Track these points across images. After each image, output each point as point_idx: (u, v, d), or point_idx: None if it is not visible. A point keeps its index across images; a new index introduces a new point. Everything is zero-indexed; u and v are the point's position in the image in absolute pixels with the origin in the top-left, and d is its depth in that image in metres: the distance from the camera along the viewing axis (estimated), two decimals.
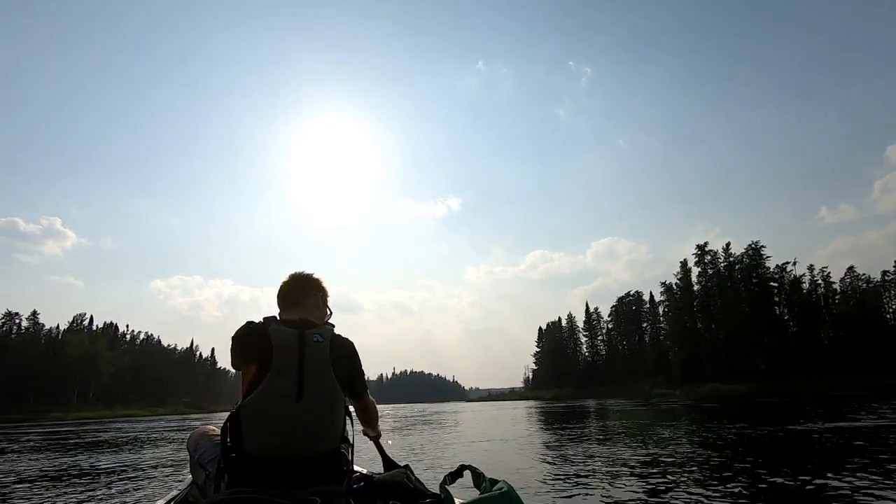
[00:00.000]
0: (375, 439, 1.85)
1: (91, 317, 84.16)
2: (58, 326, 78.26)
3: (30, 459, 8.51)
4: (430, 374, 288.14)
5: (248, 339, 1.52)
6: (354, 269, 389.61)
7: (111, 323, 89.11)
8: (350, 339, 1.65)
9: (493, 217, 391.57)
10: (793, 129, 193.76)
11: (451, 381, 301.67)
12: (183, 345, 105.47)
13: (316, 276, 1.80)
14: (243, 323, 1.56)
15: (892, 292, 62.18)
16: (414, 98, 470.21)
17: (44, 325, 75.75)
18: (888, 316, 60.60)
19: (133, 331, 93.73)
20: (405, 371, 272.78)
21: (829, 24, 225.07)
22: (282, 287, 1.76)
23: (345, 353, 1.60)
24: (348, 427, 1.57)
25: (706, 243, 66.19)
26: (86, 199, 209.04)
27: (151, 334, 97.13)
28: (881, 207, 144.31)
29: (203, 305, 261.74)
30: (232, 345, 1.54)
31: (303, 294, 1.74)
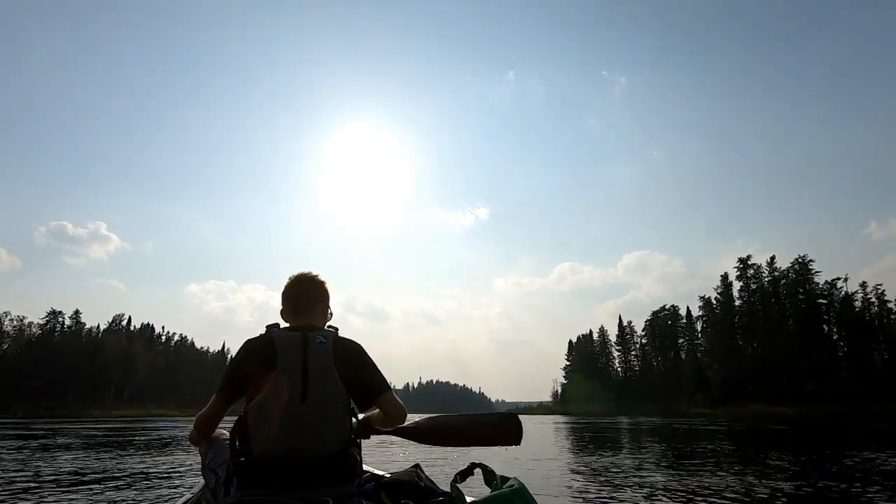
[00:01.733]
0: (399, 432, 1.70)
1: (129, 317, 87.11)
2: (98, 326, 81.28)
3: (62, 458, 8.33)
4: (455, 385, 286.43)
5: (255, 350, 1.52)
6: (382, 278, 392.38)
7: (148, 324, 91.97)
8: (356, 340, 1.63)
9: (522, 227, 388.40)
10: (838, 139, 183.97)
11: (478, 392, 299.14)
12: (215, 347, 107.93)
13: (321, 278, 1.77)
14: (243, 342, 1.56)
15: None
16: (443, 107, 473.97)
17: (85, 324, 78.70)
18: None
19: (168, 332, 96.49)
20: (431, 381, 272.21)
21: (875, 27, 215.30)
22: (290, 291, 1.73)
23: (349, 353, 1.58)
24: (356, 427, 1.57)
25: (749, 256, 63.34)
26: (128, 205, 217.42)
27: (185, 336, 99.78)
28: None
29: (236, 310, 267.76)
30: (233, 362, 1.54)
31: (313, 303, 1.72)
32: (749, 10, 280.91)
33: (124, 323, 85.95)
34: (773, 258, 62.01)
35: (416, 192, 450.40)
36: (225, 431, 1.77)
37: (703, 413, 48.26)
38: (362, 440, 1.62)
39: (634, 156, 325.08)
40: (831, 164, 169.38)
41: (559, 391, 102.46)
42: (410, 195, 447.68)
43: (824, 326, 58.52)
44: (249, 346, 1.55)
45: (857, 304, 59.26)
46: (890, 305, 60.06)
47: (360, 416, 1.64)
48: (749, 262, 62.97)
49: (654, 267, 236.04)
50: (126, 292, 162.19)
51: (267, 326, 1.61)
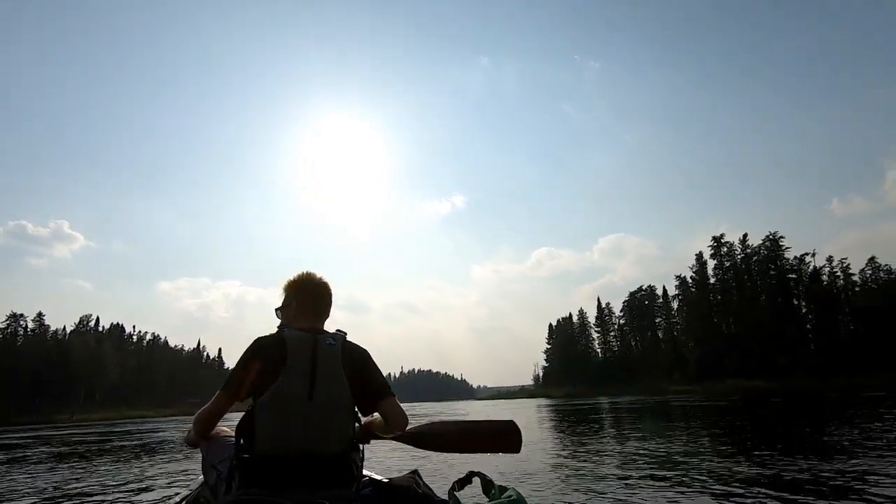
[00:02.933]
0: (399, 437, 1.65)
1: (97, 318, 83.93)
2: (64, 328, 78.04)
3: (36, 469, 7.69)
4: (437, 373, 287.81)
5: (267, 347, 1.53)
6: (361, 269, 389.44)
7: (117, 324, 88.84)
8: (362, 346, 1.68)
9: (499, 214, 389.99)
10: (803, 122, 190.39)
11: (459, 379, 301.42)
12: (190, 345, 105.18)
13: (326, 280, 1.78)
14: (252, 340, 1.56)
15: None
16: (417, 95, 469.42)
17: (49, 327, 75.41)
18: None
19: (140, 331, 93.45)
20: (413, 370, 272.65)
21: (842, 17, 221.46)
22: (307, 296, 1.72)
23: (356, 357, 1.62)
24: (358, 431, 1.59)
25: (722, 235, 64.53)
26: (94, 202, 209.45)
27: (158, 335, 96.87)
28: (893, 199, 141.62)
29: (211, 307, 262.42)
30: (241, 360, 1.53)
31: (324, 311, 1.73)
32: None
33: (92, 324, 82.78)
34: (745, 236, 63.38)
35: (392, 181, 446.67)
36: (226, 429, 1.82)
37: (682, 390, 49.22)
38: (364, 445, 1.62)
39: (608, 141, 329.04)
40: (796, 144, 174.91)
41: (540, 374, 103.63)
42: (386, 185, 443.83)
43: (794, 301, 60.21)
44: (259, 344, 1.54)
45: (825, 278, 61.19)
46: (854, 279, 62.35)
47: (363, 420, 1.64)
48: (723, 241, 64.20)
49: (628, 250, 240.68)
50: (94, 292, 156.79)
51: (278, 327, 1.62)
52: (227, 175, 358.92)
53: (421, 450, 1.68)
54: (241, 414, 1.51)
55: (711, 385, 50.32)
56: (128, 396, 73.21)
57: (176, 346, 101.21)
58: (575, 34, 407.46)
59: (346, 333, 1.67)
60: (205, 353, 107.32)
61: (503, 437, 1.63)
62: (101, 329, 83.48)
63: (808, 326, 59.91)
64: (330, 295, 1.76)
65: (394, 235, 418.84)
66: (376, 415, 1.64)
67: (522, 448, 1.59)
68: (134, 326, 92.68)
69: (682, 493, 3.71)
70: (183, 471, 6.34)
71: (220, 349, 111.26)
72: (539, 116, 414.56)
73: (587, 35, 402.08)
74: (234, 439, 1.50)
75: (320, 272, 1.78)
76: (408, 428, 1.61)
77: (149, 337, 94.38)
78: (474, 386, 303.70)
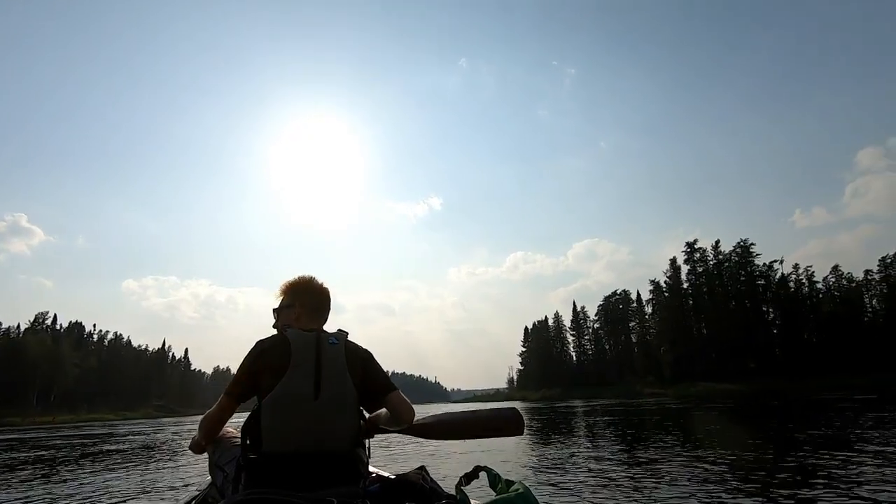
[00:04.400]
0: (409, 430, 1.70)
1: (55, 316, 79.75)
2: (18, 326, 73.79)
3: None
4: (411, 375, 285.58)
5: (272, 347, 1.53)
6: (335, 269, 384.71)
7: (77, 322, 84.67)
8: (377, 345, 1.73)
9: (475, 217, 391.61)
10: (770, 133, 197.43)
11: (434, 381, 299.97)
12: (155, 346, 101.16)
13: (326, 285, 1.80)
14: (255, 342, 1.56)
15: (873, 292, 62.53)
16: (394, 95, 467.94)
17: (1, 324, 71.19)
18: (869, 315, 60.90)
19: (101, 331, 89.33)
20: (387, 372, 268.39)
21: (807, 32, 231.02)
22: (309, 300, 1.73)
23: (358, 355, 1.62)
24: (364, 428, 1.60)
25: (696, 241, 65.81)
26: (56, 196, 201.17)
27: (121, 334, 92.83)
28: (852, 211, 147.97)
29: (178, 306, 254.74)
30: (245, 360, 1.53)
31: (324, 314, 1.76)
32: (695, 9, 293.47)
33: (49, 321, 78.59)
34: (717, 242, 64.79)
35: (368, 181, 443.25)
36: (233, 430, 1.80)
37: (656, 393, 49.73)
38: (370, 442, 1.63)
39: (583, 146, 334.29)
40: (765, 155, 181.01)
41: (515, 378, 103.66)
42: (363, 185, 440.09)
43: (764, 307, 61.74)
44: (262, 346, 1.54)
45: (791, 285, 62.97)
46: (819, 286, 64.37)
47: (367, 415, 1.66)
48: (696, 247, 65.40)
49: (602, 255, 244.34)
50: (54, 290, 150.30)
51: (280, 327, 1.66)
52: (199, 172, 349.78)
53: (427, 445, 2.06)
54: (247, 414, 1.49)
55: (684, 388, 51.01)
56: (87, 398, 69.63)
57: (140, 346, 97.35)
58: (553, 40, 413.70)
59: (347, 333, 1.68)
60: (170, 354, 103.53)
61: (507, 421, 1.68)
62: (58, 327, 79.40)
63: (774, 331, 61.53)
64: (330, 299, 1.79)
65: (369, 236, 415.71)
66: (383, 409, 1.63)
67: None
68: (95, 325, 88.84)
69: (676, 490, 3.88)
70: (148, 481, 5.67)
71: (186, 349, 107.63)
72: (515, 120, 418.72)
73: (565, 41, 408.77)
74: (240, 440, 1.49)
75: (304, 272, 1.82)
76: (414, 421, 1.63)
77: (110, 336, 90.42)
78: (448, 389, 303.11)
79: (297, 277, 1.78)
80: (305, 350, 1.51)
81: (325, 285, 1.80)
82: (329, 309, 1.79)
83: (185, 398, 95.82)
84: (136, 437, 16.54)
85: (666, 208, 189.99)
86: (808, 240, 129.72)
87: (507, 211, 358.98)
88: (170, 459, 8.39)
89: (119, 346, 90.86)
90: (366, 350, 1.68)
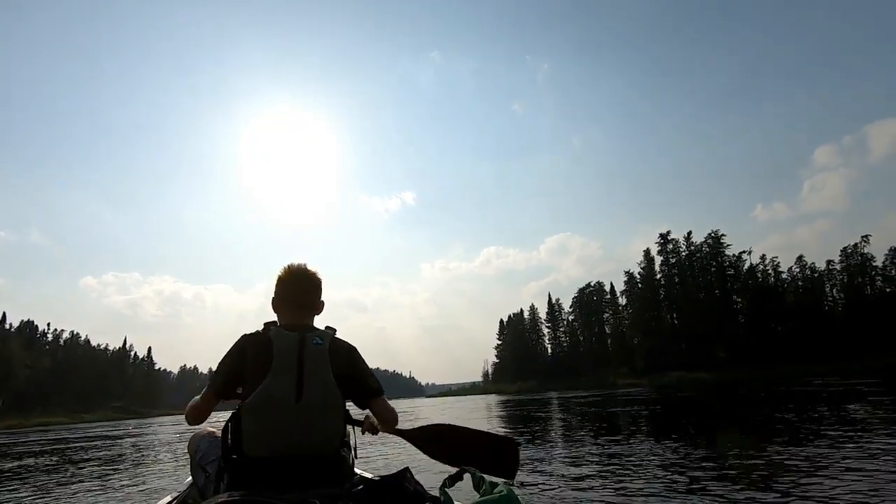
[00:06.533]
0: (394, 432, 1.77)
1: (3, 314, 74.84)
2: None
3: None
4: (385, 371, 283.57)
5: (253, 346, 1.51)
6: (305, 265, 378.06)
7: (28, 321, 79.83)
8: (351, 343, 1.67)
9: (448, 212, 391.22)
10: (735, 131, 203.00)
11: (408, 377, 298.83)
12: (116, 345, 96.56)
13: (319, 274, 1.72)
14: (239, 336, 1.56)
15: (834, 282, 64.59)
16: (367, 88, 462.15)
17: None
18: (829, 303, 62.93)
19: (55, 329, 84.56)
20: (374, 376, 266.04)
21: (771, 32, 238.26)
22: (289, 291, 1.67)
23: (344, 355, 1.59)
24: (349, 430, 1.59)
25: (668, 232, 66.47)
26: (9, 189, 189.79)
27: (78, 333, 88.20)
28: (809, 206, 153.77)
29: (141, 304, 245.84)
30: (227, 354, 1.53)
31: (310, 304, 1.68)
32: (666, 9, 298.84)
33: None
34: (689, 233, 65.53)
35: (340, 176, 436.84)
36: (216, 430, 1.76)
37: (630, 383, 49.91)
38: (355, 444, 1.63)
39: (556, 142, 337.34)
40: (731, 152, 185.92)
41: (490, 371, 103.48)
42: (334, 179, 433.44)
43: (734, 297, 62.92)
44: (245, 342, 1.52)
45: (759, 275, 64.40)
46: (784, 276, 66.07)
47: (364, 414, 1.69)
48: (669, 238, 66.06)
49: (573, 249, 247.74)
50: (5, 287, 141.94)
51: (265, 324, 1.59)
52: (162, 164, 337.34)
53: (412, 447, 1.69)
54: (229, 413, 1.48)
55: (658, 378, 51.35)
56: (39, 401, 65.66)
57: (99, 345, 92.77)
58: (527, 35, 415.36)
59: (335, 330, 1.63)
60: (132, 353, 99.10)
61: (501, 456, 1.67)
62: (8, 327, 74.62)
63: (741, 320, 62.84)
64: (315, 286, 1.70)
65: (341, 231, 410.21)
66: (368, 412, 1.68)
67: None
68: (49, 324, 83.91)
69: (660, 484, 3.90)
70: None
71: (149, 348, 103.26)
72: (490, 114, 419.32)
73: (539, 37, 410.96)
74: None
75: (306, 262, 1.71)
76: (401, 426, 1.67)
77: (66, 335, 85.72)
78: (423, 384, 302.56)
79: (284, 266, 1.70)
80: (288, 351, 1.46)
81: (312, 272, 1.69)
82: (314, 300, 1.69)
83: (148, 398, 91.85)
84: (90, 441, 15.08)
85: (636, 204, 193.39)
86: (769, 234, 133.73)
87: (480, 206, 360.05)
88: (131, 463, 8.00)
89: (76, 345, 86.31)
90: (352, 349, 1.63)
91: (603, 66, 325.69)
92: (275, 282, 1.70)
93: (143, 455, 9.61)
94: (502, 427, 10.95)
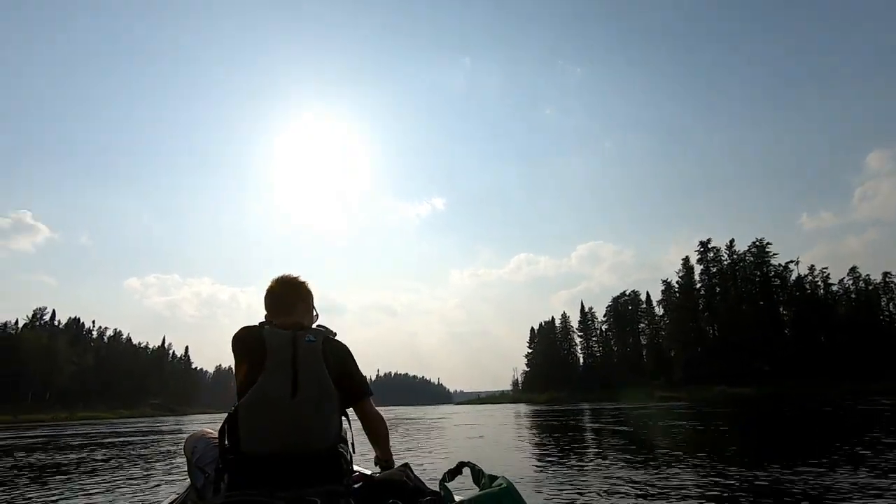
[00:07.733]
0: (384, 463, 1.70)
1: (53, 311, 78.49)
2: (16, 322, 72.57)
3: None
4: (414, 377, 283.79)
5: (245, 340, 1.53)
6: (337, 270, 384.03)
7: (75, 318, 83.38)
8: (344, 343, 1.68)
9: (478, 218, 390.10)
10: (777, 135, 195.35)
11: (436, 383, 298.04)
12: (155, 344, 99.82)
13: (302, 279, 1.77)
14: (239, 328, 1.59)
15: (891, 295, 60.41)
16: (399, 95, 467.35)
17: None
18: (886, 318, 58.87)
19: (100, 327, 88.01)
20: (389, 373, 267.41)
21: (815, 34, 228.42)
22: (271, 293, 1.73)
23: (337, 353, 1.59)
24: (346, 426, 1.58)
25: (709, 240, 63.79)
26: (61, 193, 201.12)
27: (120, 331, 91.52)
28: (859, 215, 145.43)
29: (180, 304, 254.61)
30: (231, 347, 1.57)
31: (293, 302, 1.72)
32: (703, 11, 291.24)
33: (47, 318, 77.36)
34: (732, 241, 62.75)
35: (372, 181, 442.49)
36: (212, 431, 1.78)
37: (667, 396, 47.79)
38: (353, 440, 1.61)
39: (588, 147, 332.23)
40: (772, 158, 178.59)
41: (520, 379, 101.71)
42: (366, 185, 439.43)
43: (780, 308, 59.76)
44: (239, 338, 1.54)
45: (807, 286, 60.91)
46: (834, 288, 62.30)
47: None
48: (710, 246, 63.44)
49: (605, 257, 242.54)
50: (57, 288, 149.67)
51: (260, 322, 1.62)
52: (202, 171, 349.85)
53: (410, 442, 2.21)
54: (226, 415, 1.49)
55: (698, 391, 49.00)
56: (82, 396, 68.31)
57: (139, 343, 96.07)
58: (559, 39, 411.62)
59: (327, 330, 1.65)
60: (171, 352, 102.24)
61: None
62: (56, 324, 78.14)
63: (787, 332, 59.49)
64: (295, 289, 1.73)
65: (371, 235, 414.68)
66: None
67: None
68: (94, 322, 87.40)
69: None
70: None
71: (186, 347, 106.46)
72: (520, 119, 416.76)
73: (571, 41, 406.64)
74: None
75: (294, 270, 1.76)
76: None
77: (109, 333, 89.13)
78: (451, 391, 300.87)
79: None
80: (281, 349, 1.47)
81: (293, 277, 1.74)
82: (298, 300, 1.72)
83: (184, 397, 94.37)
84: (130, 437, 15.24)
85: (669, 211, 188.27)
86: (814, 243, 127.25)
87: (510, 211, 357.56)
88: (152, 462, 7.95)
89: (118, 342, 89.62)
90: (345, 348, 1.62)
91: (638, 69, 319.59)
92: (263, 296, 1.72)
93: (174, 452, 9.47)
94: (533, 435, 10.30)
